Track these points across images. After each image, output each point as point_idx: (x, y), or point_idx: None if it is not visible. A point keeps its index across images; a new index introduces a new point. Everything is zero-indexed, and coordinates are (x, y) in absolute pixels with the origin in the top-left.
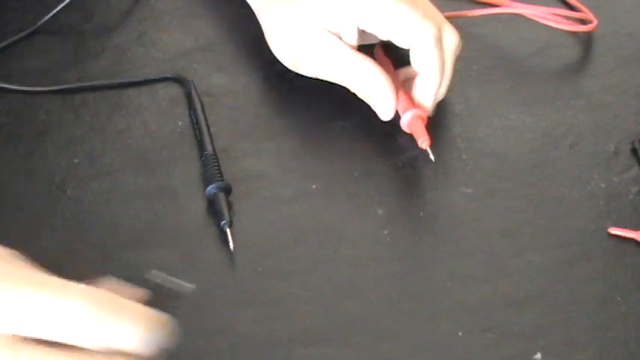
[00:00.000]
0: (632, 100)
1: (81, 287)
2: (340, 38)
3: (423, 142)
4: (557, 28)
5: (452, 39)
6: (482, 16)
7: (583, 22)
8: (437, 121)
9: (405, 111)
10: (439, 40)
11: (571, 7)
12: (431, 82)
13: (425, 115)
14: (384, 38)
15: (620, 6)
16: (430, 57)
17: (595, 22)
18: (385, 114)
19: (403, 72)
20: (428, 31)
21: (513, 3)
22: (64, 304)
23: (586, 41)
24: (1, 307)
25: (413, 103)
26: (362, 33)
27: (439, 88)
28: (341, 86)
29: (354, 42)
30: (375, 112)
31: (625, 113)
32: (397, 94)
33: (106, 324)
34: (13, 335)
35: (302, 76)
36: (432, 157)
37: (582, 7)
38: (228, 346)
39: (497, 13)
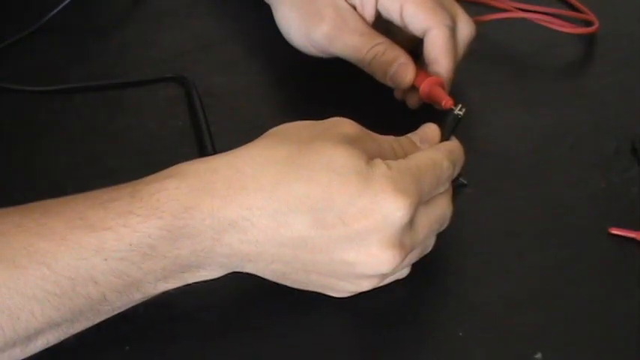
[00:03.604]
0: (632, 100)
1: (441, 150)
2: (356, 10)
3: (446, 103)
4: (560, 31)
5: (467, 28)
6: (488, 21)
7: (586, 23)
8: (437, 121)
9: (421, 82)
10: (453, 31)
11: (573, 8)
12: (442, 72)
13: (442, 82)
14: (399, 23)
15: (621, 6)
16: (443, 47)
17: (597, 24)
18: (405, 79)
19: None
20: (442, 21)
21: (515, 4)
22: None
23: (586, 41)
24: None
25: (427, 74)
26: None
27: (450, 77)
28: (340, 87)
29: (371, 17)
30: (373, 113)
31: (625, 113)
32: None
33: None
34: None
35: (302, 76)
36: (462, 109)
37: (584, 9)
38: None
39: (502, 18)
